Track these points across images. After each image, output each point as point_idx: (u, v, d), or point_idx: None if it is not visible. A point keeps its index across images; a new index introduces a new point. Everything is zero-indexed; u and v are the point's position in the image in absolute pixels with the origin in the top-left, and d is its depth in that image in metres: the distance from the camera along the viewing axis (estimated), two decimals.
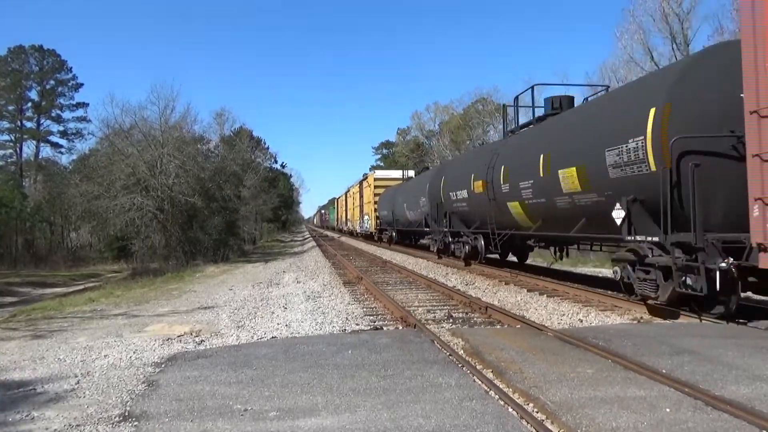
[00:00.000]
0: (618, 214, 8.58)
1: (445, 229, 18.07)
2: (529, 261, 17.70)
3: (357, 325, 8.33)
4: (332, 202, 76.84)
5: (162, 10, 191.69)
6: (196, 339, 7.61)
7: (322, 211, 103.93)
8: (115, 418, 4.37)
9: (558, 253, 13.53)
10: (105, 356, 6.63)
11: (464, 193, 16.14)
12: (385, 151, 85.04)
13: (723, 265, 6.64)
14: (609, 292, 10.31)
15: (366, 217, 37.02)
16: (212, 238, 29.31)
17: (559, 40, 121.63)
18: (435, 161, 46.79)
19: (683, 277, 7.23)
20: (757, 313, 7.93)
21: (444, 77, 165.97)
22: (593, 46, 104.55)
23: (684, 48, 26.65)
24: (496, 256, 16.62)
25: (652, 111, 7.70)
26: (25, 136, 51.35)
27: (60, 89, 53.29)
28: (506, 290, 11.81)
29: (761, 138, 6.22)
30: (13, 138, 50.42)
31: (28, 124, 52.06)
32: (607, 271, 17.35)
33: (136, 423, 4.21)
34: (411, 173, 34.02)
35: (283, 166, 76.35)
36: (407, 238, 30.22)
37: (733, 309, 7.23)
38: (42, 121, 52.73)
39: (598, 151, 8.97)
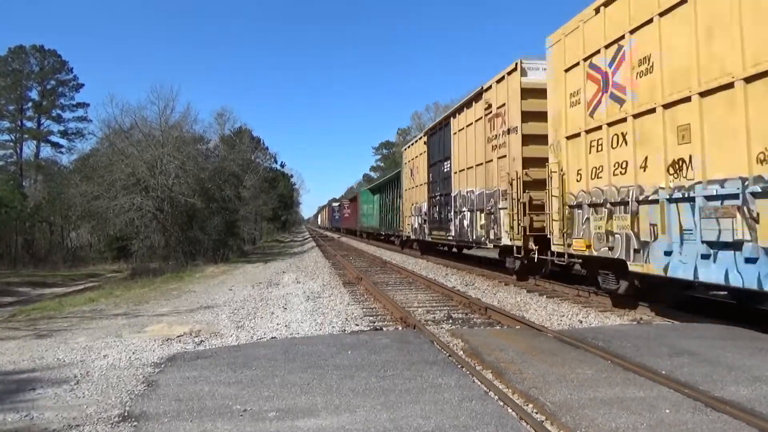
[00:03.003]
0: None
1: None
2: None
3: (357, 325, 8.33)
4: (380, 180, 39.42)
5: (163, 11, 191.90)
6: (196, 339, 7.60)
7: (334, 205, 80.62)
8: (114, 418, 4.36)
9: None
10: (104, 356, 6.62)
11: None
12: (385, 151, 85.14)
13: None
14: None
15: None
16: (212, 239, 29.29)
17: None
18: None
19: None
20: (757, 314, 7.93)
21: (444, 77, 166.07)
22: None
23: None
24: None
25: None
26: (26, 136, 51.30)
27: (60, 89, 53.25)
28: (506, 291, 11.81)
29: None
30: (13, 138, 50.38)
31: (29, 124, 52.03)
32: None
33: (135, 423, 4.20)
34: None
35: (282, 167, 75.98)
36: None
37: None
38: (42, 121, 52.71)
39: None
